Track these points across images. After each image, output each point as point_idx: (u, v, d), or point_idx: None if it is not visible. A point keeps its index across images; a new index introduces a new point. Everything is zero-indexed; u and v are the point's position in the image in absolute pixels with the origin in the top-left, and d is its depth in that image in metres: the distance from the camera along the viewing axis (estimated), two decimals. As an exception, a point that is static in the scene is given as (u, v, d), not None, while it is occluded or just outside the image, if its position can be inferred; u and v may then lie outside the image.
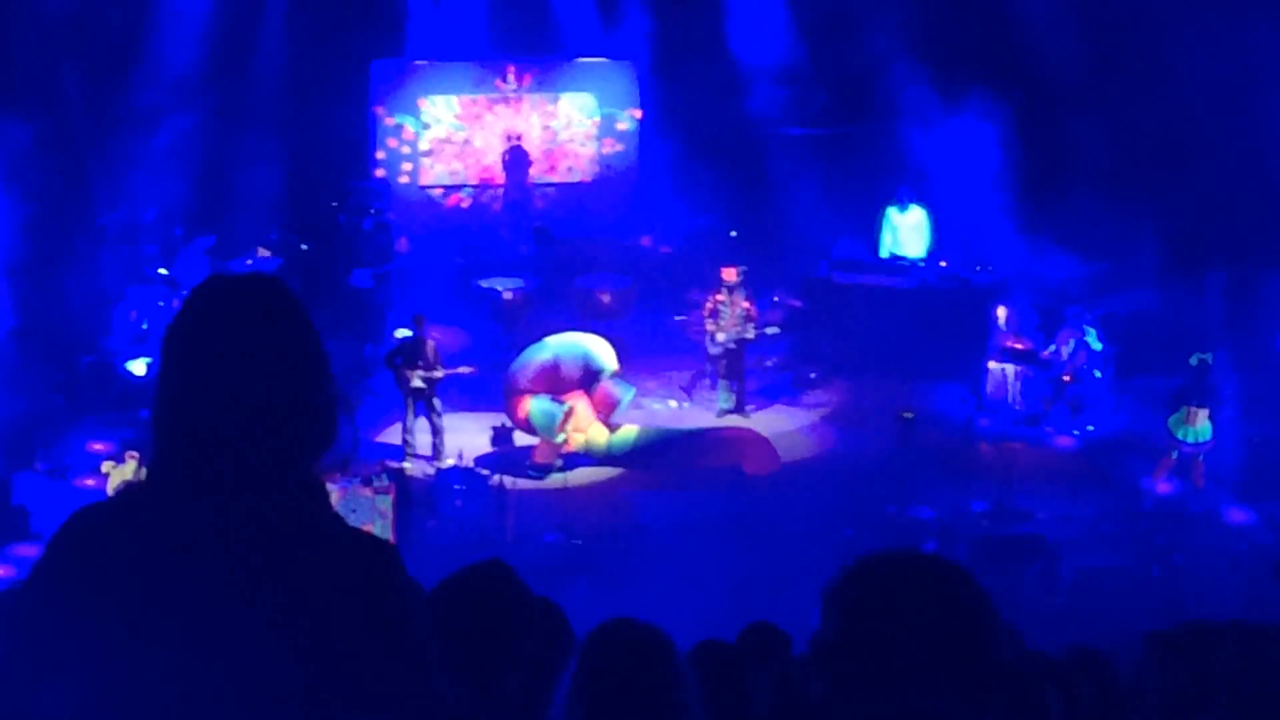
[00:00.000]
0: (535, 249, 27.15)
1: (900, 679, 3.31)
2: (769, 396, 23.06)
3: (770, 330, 22.94)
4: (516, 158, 27.99)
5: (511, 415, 20.80)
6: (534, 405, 20.51)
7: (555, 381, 20.70)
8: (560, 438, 20.44)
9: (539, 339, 22.67)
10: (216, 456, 3.42)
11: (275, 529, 3.41)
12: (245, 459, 3.42)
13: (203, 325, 3.52)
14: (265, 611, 3.33)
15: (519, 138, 28.14)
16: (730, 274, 22.43)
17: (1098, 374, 21.92)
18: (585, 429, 20.66)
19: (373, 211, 26.11)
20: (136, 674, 3.31)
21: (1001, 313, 22.60)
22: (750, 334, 22.42)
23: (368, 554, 3.50)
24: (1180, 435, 19.87)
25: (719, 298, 22.47)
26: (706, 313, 22.56)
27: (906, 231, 25.09)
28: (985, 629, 3.38)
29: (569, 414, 20.44)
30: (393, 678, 3.42)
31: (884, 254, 25.04)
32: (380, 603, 3.43)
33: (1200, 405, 19.78)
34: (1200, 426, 19.81)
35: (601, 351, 21.00)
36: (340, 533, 3.53)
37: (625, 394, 20.97)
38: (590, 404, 20.70)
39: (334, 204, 26.22)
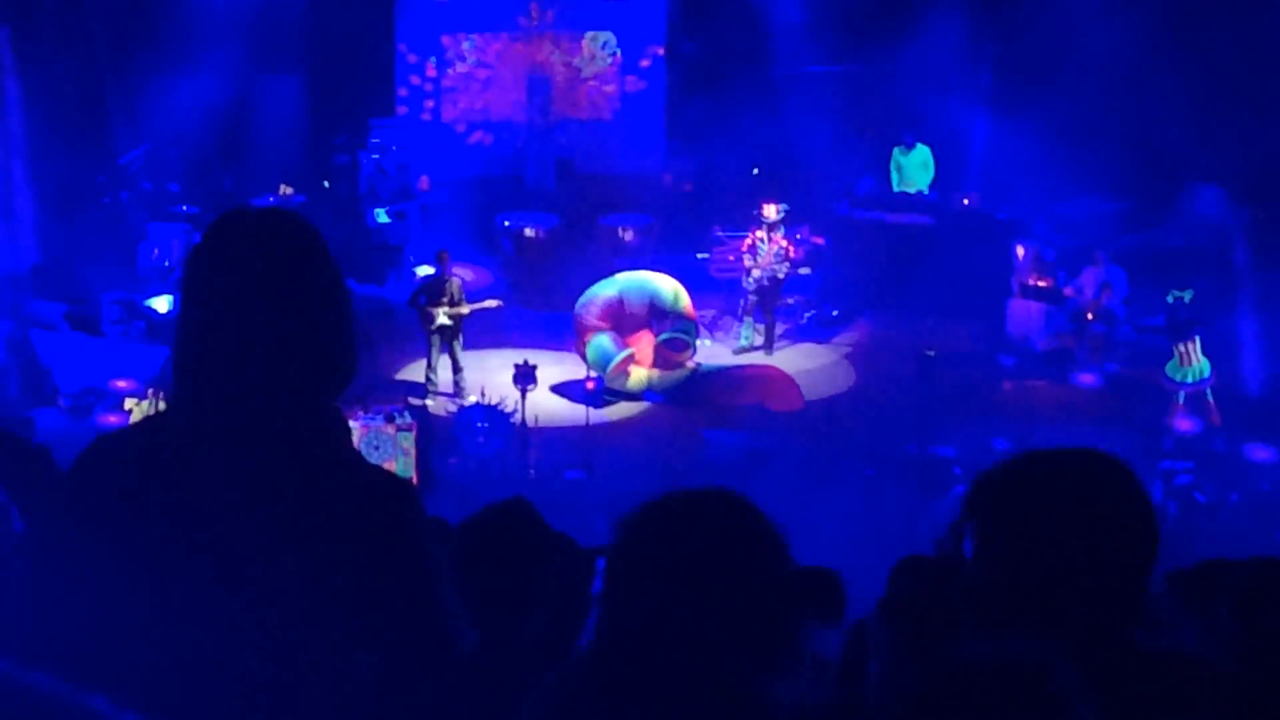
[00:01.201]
0: (556, 184, 27.10)
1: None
2: (791, 335, 23.05)
3: (802, 270, 22.96)
4: (537, 90, 27.91)
5: (579, 352, 20.96)
6: (593, 342, 20.67)
7: (620, 319, 20.80)
8: (614, 379, 20.64)
9: (560, 276, 22.71)
10: (236, 390, 3.41)
11: (294, 463, 3.41)
12: (265, 393, 3.42)
13: (223, 258, 3.50)
14: (282, 546, 3.33)
15: (540, 70, 28.06)
16: (770, 210, 22.48)
17: (1118, 312, 21.87)
18: (646, 372, 20.81)
19: (394, 149, 26.07)
20: (153, 604, 3.31)
21: (1020, 250, 22.59)
22: (782, 272, 22.44)
23: (385, 491, 3.50)
24: (1179, 378, 19.88)
25: (758, 234, 22.50)
26: (745, 248, 22.61)
27: (912, 170, 25.16)
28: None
29: (628, 358, 20.57)
30: (409, 616, 3.42)
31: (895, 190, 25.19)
32: (397, 541, 3.43)
33: (1185, 341, 19.77)
34: (1195, 365, 19.80)
35: (670, 291, 21.05)
36: (359, 469, 3.53)
37: (687, 353, 21.08)
38: (653, 350, 20.81)
39: (356, 141, 26.20)
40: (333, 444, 3.51)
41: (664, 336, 20.83)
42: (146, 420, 3.75)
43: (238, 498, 3.35)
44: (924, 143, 25.22)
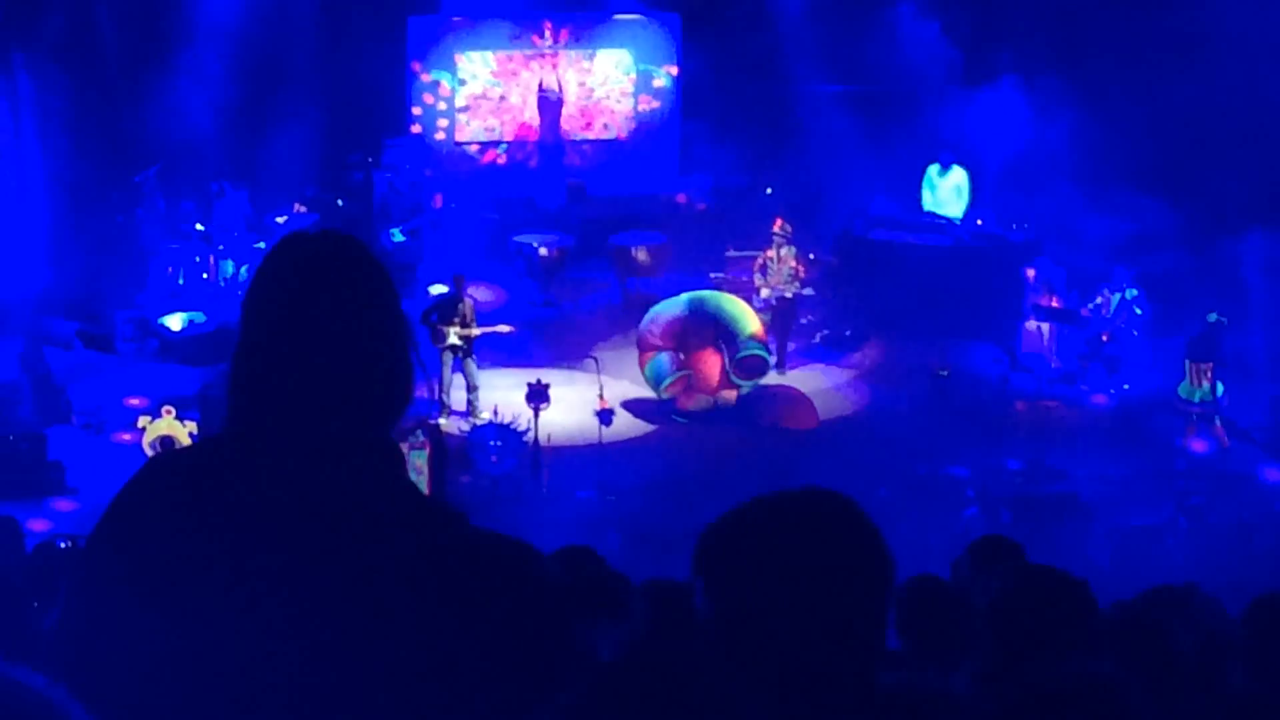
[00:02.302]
0: (570, 203, 27.11)
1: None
2: (804, 355, 23.03)
3: (805, 291, 22.97)
4: (548, 105, 27.93)
5: (640, 368, 21.14)
6: (652, 361, 20.85)
7: (685, 338, 20.85)
8: (665, 395, 20.80)
9: (574, 297, 22.72)
10: (297, 414, 3.37)
11: (353, 492, 3.35)
12: (326, 417, 3.38)
13: (287, 280, 3.48)
14: (338, 574, 3.26)
15: (554, 89, 28.07)
16: (779, 224, 22.60)
17: (1135, 333, 21.86)
18: (711, 392, 20.84)
19: (408, 168, 26.11)
20: (205, 632, 3.24)
21: (1030, 273, 22.60)
22: (791, 292, 22.45)
23: (454, 523, 3.44)
24: (1188, 397, 19.90)
25: (769, 253, 22.53)
26: (756, 268, 22.64)
27: (946, 192, 25.00)
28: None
29: (683, 379, 20.69)
30: (469, 655, 3.31)
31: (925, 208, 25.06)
32: (463, 581, 3.34)
33: (1204, 361, 19.78)
34: (1204, 387, 19.80)
35: (739, 312, 21.07)
36: (419, 501, 3.48)
37: (764, 373, 21.16)
38: (721, 370, 20.83)
39: (370, 160, 26.24)
40: (390, 472, 3.46)
41: (742, 354, 20.78)
42: (203, 443, 3.69)
43: (294, 523, 3.29)
44: (961, 165, 25.12)
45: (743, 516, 3.37)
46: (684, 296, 21.40)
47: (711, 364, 20.88)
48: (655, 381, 20.82)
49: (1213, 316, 20.03)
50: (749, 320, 21.05)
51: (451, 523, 3.41)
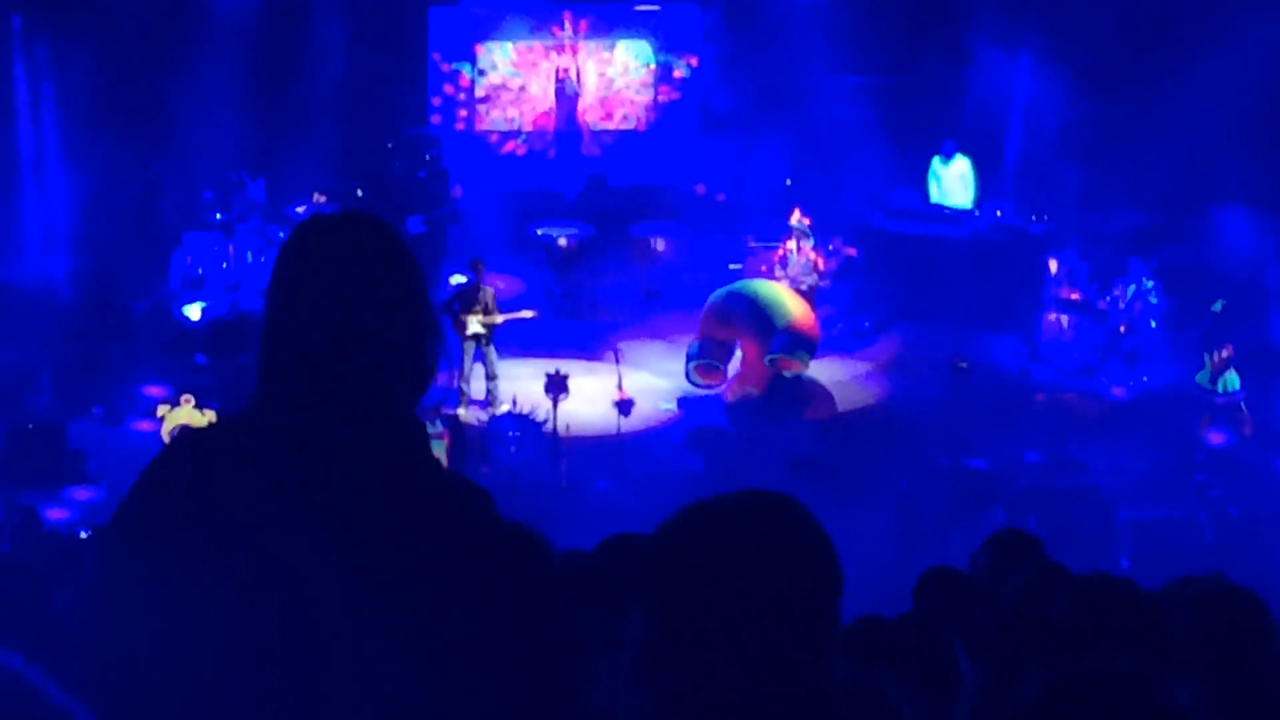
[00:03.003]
0: (589, 194, 27.09)
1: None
2: (824, 346, 22.94)
3: (823, 283, 22.96)
4: (563, 95, 27.93)
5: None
6: (693, 344, 21.11)
7: (722, 327, 20.87)
8: (696, 378, 20.98)
9: (592, 286, 22.72)
10: (327, 394, 3.37)
11: (377, 470, 3.35)
12: (355, 396, 3.38)
13: (313, 262, 3.49)
14: (366, 554, 3.25)
15: (566, 72, 28.07)
16: (795, 215, 22.63)
17: (1153, 324, 21.83)
18: (751, 382, 20.88)
19: (428, 158, 26.12)
20: (230, 612, 3.23)
21: (1053, 264, 22.58)
22: (810, 284, 22.43)
23: (477, 505, 3.45)
24: (1207, 385, 19.88)
25: (788, 244, 22.54)
26: (776, 259, 22.64)
27: (951, 181, 24.98)
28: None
29: (708, 368, 20.89)
30: (494, 643, 3.29)
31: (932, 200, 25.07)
32: (475, 569, 3.32)
33: (1219, 349, 19.78)
34: (1227, 376, 19.79)
35: (778, 302, 21.06)
36: (445, 480, 3.49)
37: (802, 360, 21.08)
38: (756, 356, 20.84)
39: (390, 147, 26.27)
40: (418, 451, 3.48)
41: (770, 357, 20.75)
42: (227, 422, 3.69)
43: (322, 503, 3.28)
44: (965, 153, 25.08)
45: (684, 528, 3.32)
46: (735, 284, 21.50)
47: (751, 356, 20.89)
48: (685, 365, 20.91)
49: (1218, 305, 20.07)
50: (787, 312, 20.97)
51: (472, 504, 3.43)
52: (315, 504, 3.28)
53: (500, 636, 3.25)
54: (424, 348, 3.51)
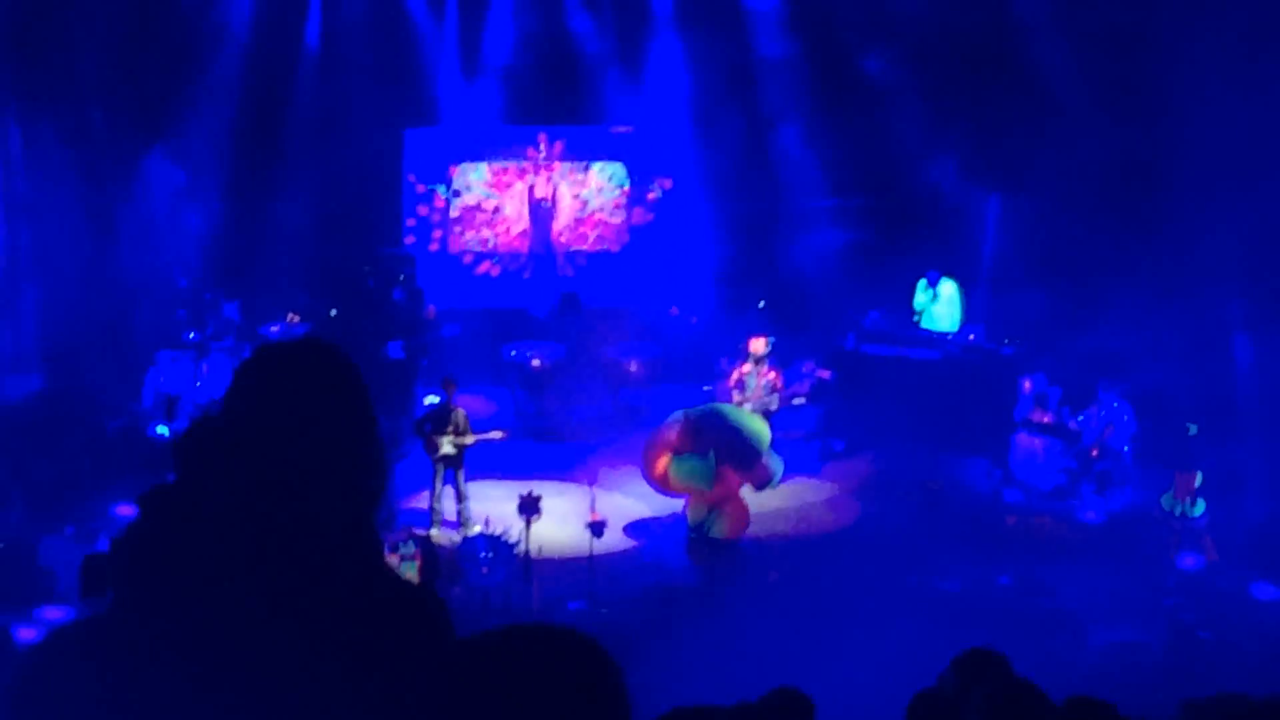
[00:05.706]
0: (562, 315, 27.16)
1: None
2: (794, 468, 22.97)
3: (796, 400, 22.97)
4: (540, 215, 28.07)
5: (648, 472, 20.90)
6: (677, 462, 20.61)
7: (698, 444, 20.71)
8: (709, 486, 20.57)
9: (565, 407, 22.70)
10: (275, 511, 3.46)
11: (344, 582, 3.43)
12: (311, 515, 3.47)
13: (262, 387, 3.60)
14: (312, 657, 3.33)
15: (547, 201, 28.21)
16: (758, 345, 22.52)
17: (1125, 448, 21.90)
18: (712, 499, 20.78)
19: (402, 279, 26.19)
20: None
21: (1027, 384, 22.68)
22: (774, 405, 22.44)
23: (426, 608, 3.54)
24: (1170, 509, 19.93)
25: (745, 368, 22.52)
26: (732, 384, 22.57)
27: (940, 306, 25.13)
28: None
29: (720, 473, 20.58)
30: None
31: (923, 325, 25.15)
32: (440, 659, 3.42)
33: (1189, 473, 19.85)
34: (1186, 501, 19.83)
35: (754, 425, 21.00)
36: (399, 587, 3.58)
37: (777, 469, 20.98)
38: (738, 476, 20.73)
39: (365, 268, 26.33)
40: (375, 562, 3.59)
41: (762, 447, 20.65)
42: (182, 527, 3.75)
43: (277, 614, 3.37)
44: (950, 277, 25.20)
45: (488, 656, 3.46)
46: (694, 409, 21.32)
47: (731, 477, 20.78)
48: (703, 476, 20.42)
49: (1192, 429, 20.15)
50: (760, 437, 20.86)
51: (426, 609, 3.53)
52: (264, 604, 3.39)
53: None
54: (370, 466, 3.62)
